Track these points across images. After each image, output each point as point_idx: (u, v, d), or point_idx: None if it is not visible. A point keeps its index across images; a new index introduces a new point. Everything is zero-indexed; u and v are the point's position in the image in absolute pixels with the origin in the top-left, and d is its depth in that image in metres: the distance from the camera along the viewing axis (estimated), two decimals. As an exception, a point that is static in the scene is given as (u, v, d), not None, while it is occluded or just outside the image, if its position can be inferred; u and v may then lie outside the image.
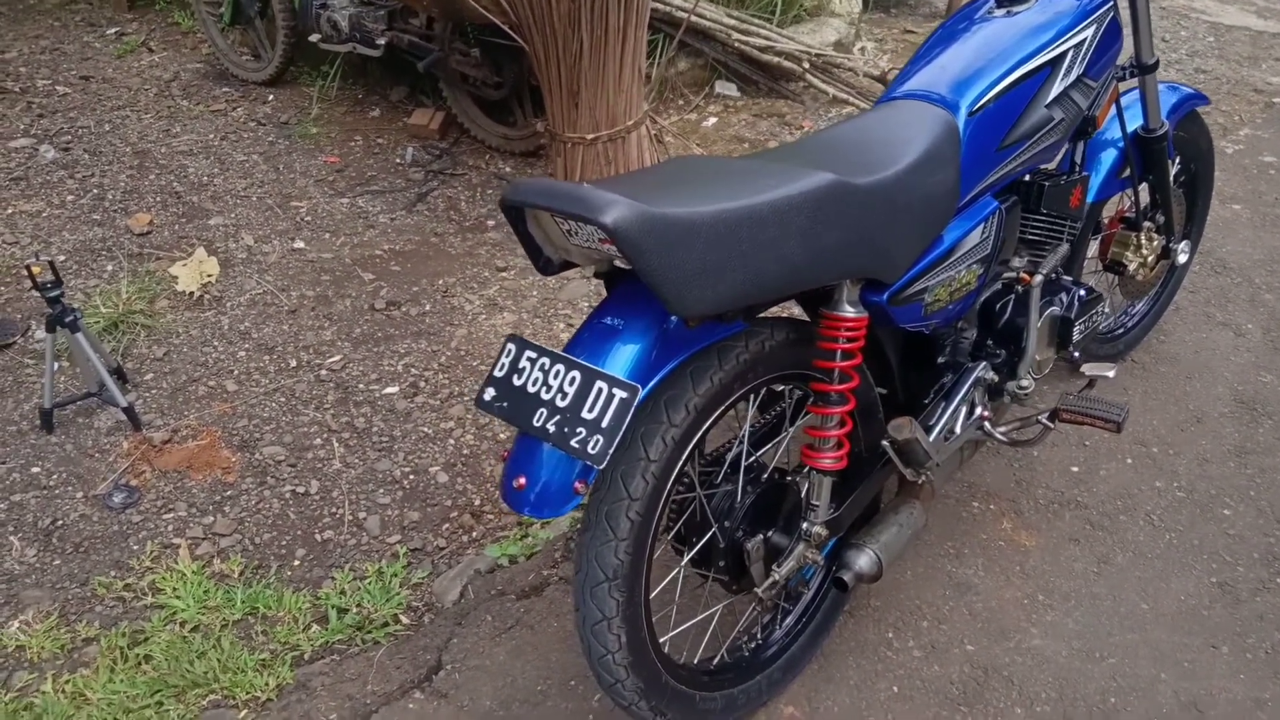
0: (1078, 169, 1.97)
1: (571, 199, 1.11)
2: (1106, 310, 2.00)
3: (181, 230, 3.27)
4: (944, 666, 1.79)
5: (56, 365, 2.60)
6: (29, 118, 3.96)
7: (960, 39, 1.72)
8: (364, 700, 1.77)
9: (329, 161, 3.73)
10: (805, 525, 1.51)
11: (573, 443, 1.18)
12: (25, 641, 1.91)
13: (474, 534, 2.20)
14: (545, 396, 1.21)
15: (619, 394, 1.17)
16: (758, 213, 1.19)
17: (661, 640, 1.53)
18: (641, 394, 1.17)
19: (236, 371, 2.68)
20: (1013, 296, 1.81)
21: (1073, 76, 1.70)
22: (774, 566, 1.50)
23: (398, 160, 3.74)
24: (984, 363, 1.77)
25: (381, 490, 2.31)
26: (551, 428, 1.20)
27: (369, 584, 2.04)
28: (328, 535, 2.20)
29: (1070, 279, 1.94)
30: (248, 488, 2.32)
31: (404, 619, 1.97)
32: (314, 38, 3.79)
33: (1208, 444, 2.30)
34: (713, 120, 3.94)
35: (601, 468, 1.18)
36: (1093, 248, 2.37)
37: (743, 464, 1.51)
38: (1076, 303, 1.87)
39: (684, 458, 1.36)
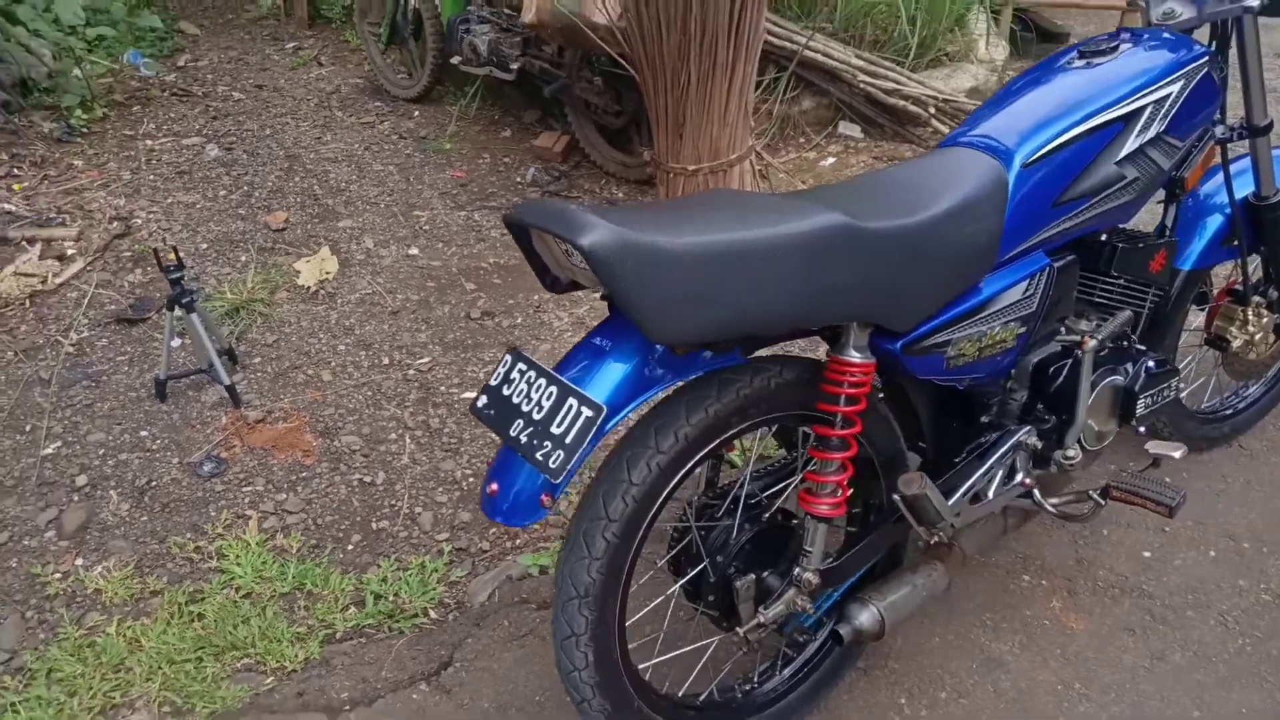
0: (1168, 232, 1.86)
1: (557, 219, 1.15)
2: (1181, 386, 1.85)
3: (312, 230, 3.53)
4: (957, 743, 1.70)
5: (179, 342, 2.85)
6: (204, 119, 4.38)
7: (1032, 88, 1.66)
8: (375, 684, 1.85)
9: (455, 176, 3.93)
10: (798, 570, 1.47)
11: (537, 455, 1.21)
12: (102, 586, 2.10)
13: (517, 541, 2.26)
14: (525, 409, 1.25)
15: (586, 413, 1.19)
16: (748, 248, 1.19)
17: (642, 665, 1.53)
18: (606, 415, 1.19)
19: (334, 363, 2.86)
20: (1069, 361, 1.71)
21: (1151, 134, 1.60)
22: (760, 609, 1.47)
23: (518, 179, 3.91)
24: (1029, 427, 1.68)
25: (441, 489, 2.41)
26: (524, 439, 1.23)
27: (409, 575, 2.13)
28: (383, 525, 2.31)
29: (1142, 348, 1.82)
30: (321, 471, 2.46)
31: (433, 613, 2.04)
32: (455, 60, 4.01)
33: (1310, 547, 2.08)
34: (831, 160, 3.90)
35: (558, 483, 1.20)
36: (1199, 319, 2.21)
37: (742, 499, 1.50)
38: (1143, 374, 1.74)
39: (672, 485, 1.36)
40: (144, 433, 2.58)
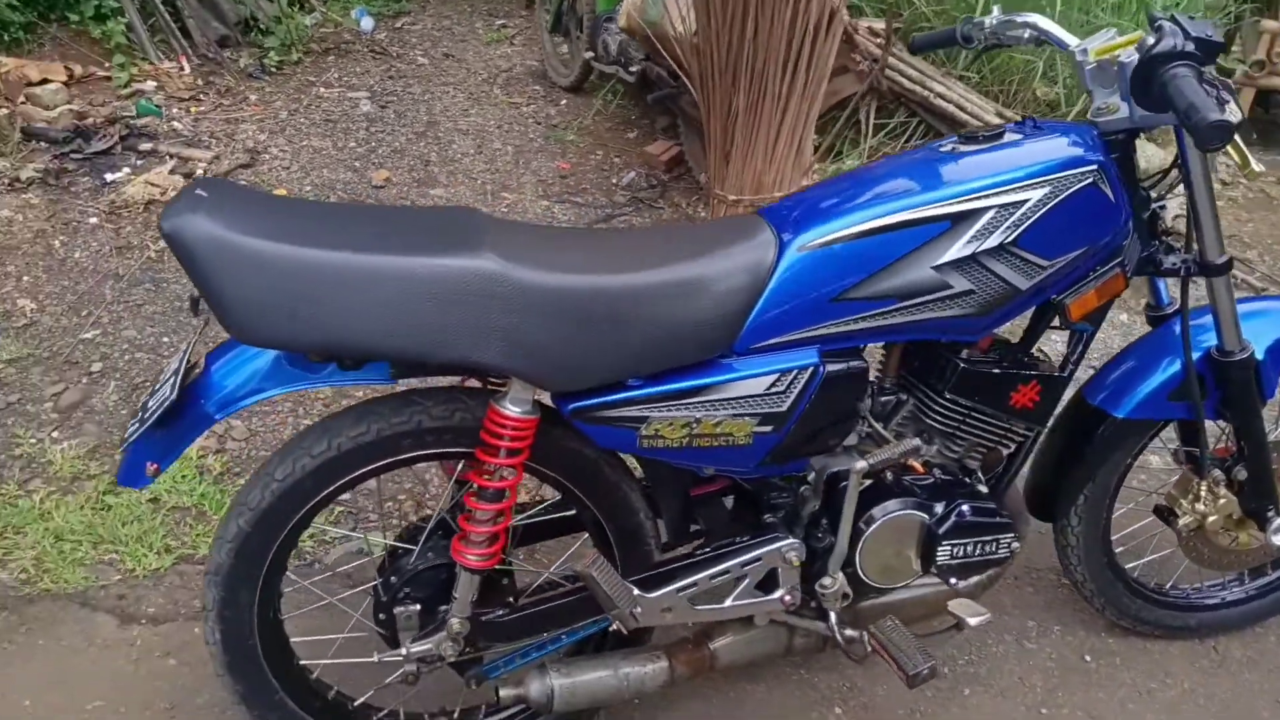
0: (1069, 365, 1.56)
1: (175, 198, 1.17)
2: (1016, 545, 1.53)
3: (406, 192, 3.76)
4: None
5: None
6: (380, 77, 4.77)
7: (879, 169, 1.45)
8: (179, 609, 1.97)
9: (561, 167, 4.02)
10: (446, 614, 1.41)
11: (131, 423, 1.25)
12: (57, 460, 2.38)
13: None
14: (162, 379, 1.30)
15: (166, 394, 1.22)
16: (350, 271, 1.15)
17: (312, 662, 1.53)
18: (179, 400, 1.21)
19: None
20: (866, 483, 1.49)
21: (992, 242, 1.34)
22: (408, 642, 1.42)
23: (614, 181, 3.92)
24: (794, 541, 1.48)
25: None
26: (142, 404, 1.28)
27: None
28: None
29: (984, 489, 1.54)
30: (283, 411, 2.63)
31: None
32: (588, 54, 4.09)
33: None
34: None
35: (124, 449, 1.24)
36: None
37: (430, 528, 1.45)
38: (952, 518, 1.47)
39: (325, 492, 1.35)
40: (166, 339, 2.89)
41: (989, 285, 1.37)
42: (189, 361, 1.30)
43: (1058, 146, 1.39)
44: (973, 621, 1.48)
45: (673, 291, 1.27)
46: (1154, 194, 1.52)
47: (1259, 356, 1.59)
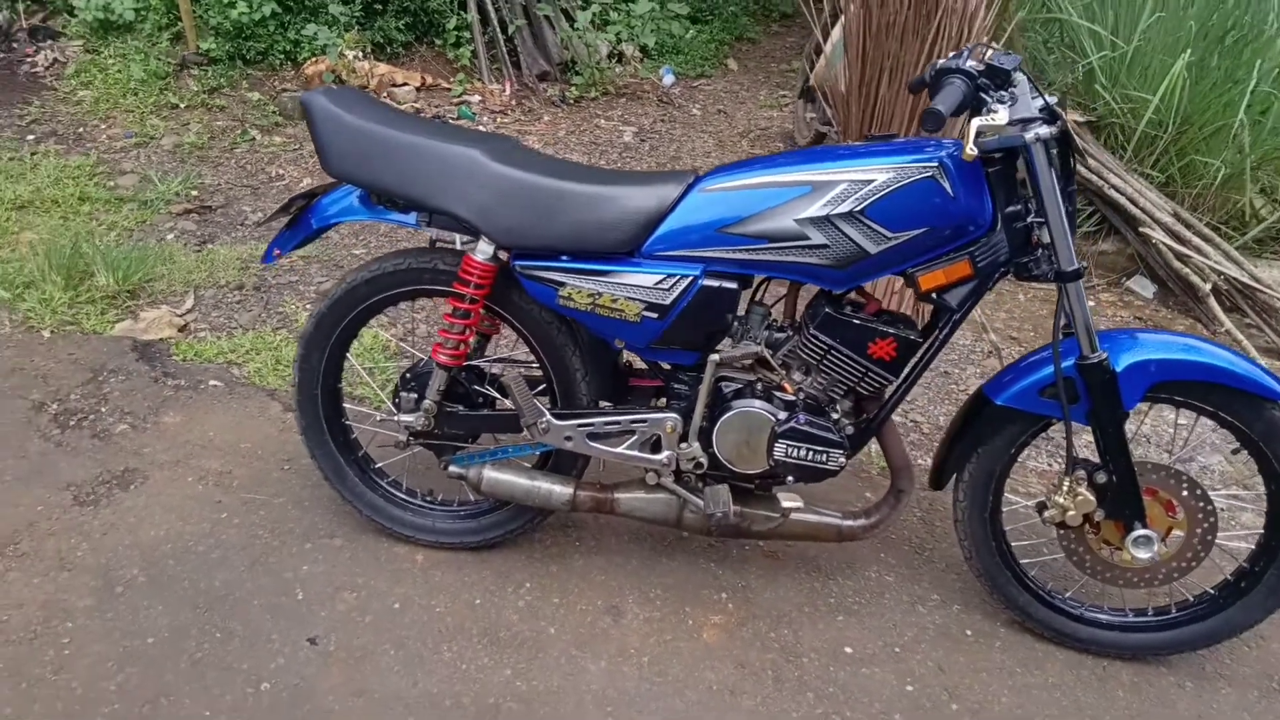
0: (937, 340, 1.88)
1: (316, 89, 1.95)
2: (841, 461, 1.82)
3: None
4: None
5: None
6: (654, 120, 5.64)
7: (793, 153, 1.90)
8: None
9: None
10: (424, 399, 2.04)
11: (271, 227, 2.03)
12: (296, 314, 3.38)
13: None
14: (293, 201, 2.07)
15: (287, 203, 1.99)
16: (396, 142, 1.85)
17: (350, 423, 2.24)
18: (292, 205, 1.97)
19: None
20: (737, 385, 1.92)
21: (844, 208, 1.74)
22: (401, 413, 2.08)
23: (801, 222, 4.41)
24: (674, 415, 1.95)
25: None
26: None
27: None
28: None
29: (813, 402, 1.89)
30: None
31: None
32: (809, 116, 4.64)
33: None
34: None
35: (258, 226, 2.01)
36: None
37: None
38: (793, 422, 1.85)
39: (375, 299, 2.06)
40: (404, 264, 3.85)
41: (841, 243, 1.78)
42: (313, 194, 2.07)
43: (916, 148, 1.76)
44: (786, 504, 1.86)
45: (591, 200, 1.83)
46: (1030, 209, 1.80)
47: (1117, 369, 1.80)
